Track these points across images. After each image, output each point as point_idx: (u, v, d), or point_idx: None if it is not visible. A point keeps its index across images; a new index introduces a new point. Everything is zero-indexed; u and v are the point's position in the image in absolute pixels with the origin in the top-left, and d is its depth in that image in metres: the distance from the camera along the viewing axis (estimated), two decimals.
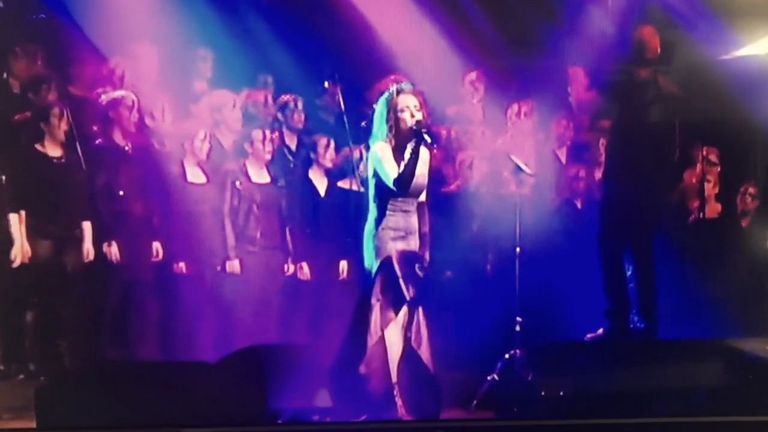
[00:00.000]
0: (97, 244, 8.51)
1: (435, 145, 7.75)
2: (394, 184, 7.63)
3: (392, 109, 7.72)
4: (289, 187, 9.07)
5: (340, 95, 9.07)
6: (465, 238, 8.94)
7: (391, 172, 7.64)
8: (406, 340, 7.66)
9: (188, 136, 8.81)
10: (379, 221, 7.67)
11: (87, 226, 8.52)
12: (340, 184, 9.15)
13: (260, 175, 8.97)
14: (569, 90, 9.20)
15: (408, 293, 7.65)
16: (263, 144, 8.93)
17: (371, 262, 7.67)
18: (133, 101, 8.67)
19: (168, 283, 8.68)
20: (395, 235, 7.67)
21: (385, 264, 7.63)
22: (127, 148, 8.69)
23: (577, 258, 8.82)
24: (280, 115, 9.20)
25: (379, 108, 7.80)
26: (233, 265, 8.80)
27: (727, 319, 8.65)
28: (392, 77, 9.06)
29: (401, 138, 7.71)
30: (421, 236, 7.75)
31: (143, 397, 7.22)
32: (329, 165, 9.15)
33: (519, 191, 8.63)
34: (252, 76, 9.28)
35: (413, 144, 7.63)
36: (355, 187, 9.00)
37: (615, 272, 8.73)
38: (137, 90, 8.78)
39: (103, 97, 8.68)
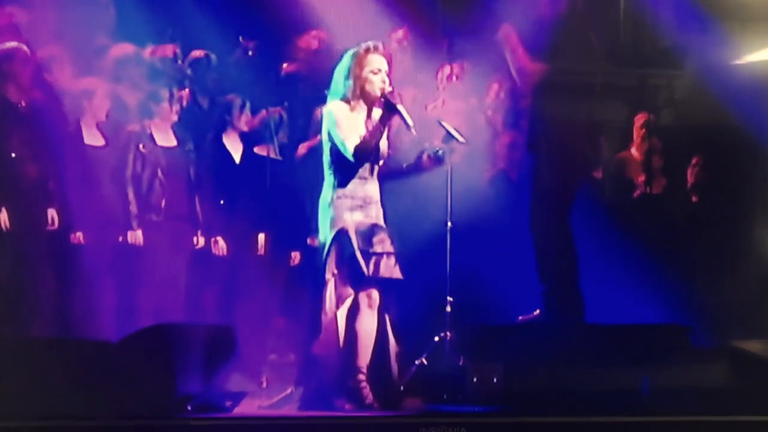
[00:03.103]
0: None
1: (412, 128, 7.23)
2: (353, 153, 7.11)
3: (359, 66, 7.16)
4: (200, 151, 8.59)
5: (256, 51, 8.75)
6: (392, 211, 8.42)
7: (349, 138, 7.12)
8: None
9: (87, 93, 8.30)
10: (334, 189, 7.19)
11: None
12: (256, 150, 8.68)
13: (166, 138, 8.45)
14: (505, 51, 8.66)
15: (367, 269, 7.18)
16: (170, 103, 8.43)
17: (326, 234, 7.21)
18: (26, 54, 8.11)
19: (65, 253, 8.18)
20: (352, 204, 7.18)
21: (340, 235, 7.16)
22: (21, 105, 8.14)
23: (513, 234, 8.52)
24: (190, 72, 8.73)
25: (344, 63, 7.24)
26: (136, 236, 8.28)
27: (674, 302, 8.44)
28: (313, 32, 8.86)
29: (366, 101, 7.20)
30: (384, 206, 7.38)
31: (39, 375, 6.66)
32: (245, 128, 8.67)
33: (451, 160, 8.15)
34: (160, 29, 8.79)
35: (384, 115, 7.16)
36: (273, 155, 8.56)
37: (549, 250, 8.31)
38: (33, 42, 8.21)
39: None
